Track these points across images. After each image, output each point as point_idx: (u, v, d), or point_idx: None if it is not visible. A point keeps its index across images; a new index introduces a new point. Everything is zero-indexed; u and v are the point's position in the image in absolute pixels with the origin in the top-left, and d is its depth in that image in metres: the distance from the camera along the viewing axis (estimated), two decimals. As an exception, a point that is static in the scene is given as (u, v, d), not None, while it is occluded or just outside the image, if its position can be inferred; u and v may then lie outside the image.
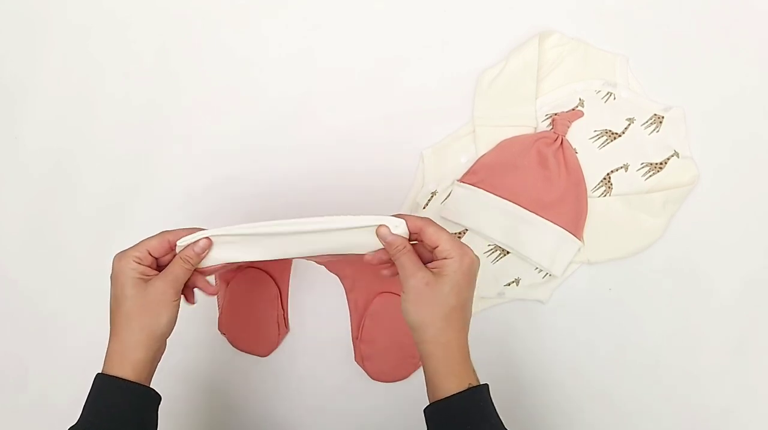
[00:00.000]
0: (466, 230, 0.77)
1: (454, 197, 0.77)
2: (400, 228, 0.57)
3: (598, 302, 0.77)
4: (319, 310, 0.79)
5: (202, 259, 0.60)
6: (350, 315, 0.77)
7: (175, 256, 0.60)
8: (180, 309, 0.60)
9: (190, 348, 0.79)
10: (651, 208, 0.75)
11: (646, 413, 0.76)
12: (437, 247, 0.57)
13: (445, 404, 0.55)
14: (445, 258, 0.56)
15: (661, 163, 0.76)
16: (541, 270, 0.76)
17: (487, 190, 0.76)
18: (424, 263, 0.58)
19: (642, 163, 0.76)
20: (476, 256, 0.58)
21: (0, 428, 0.82)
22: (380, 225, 0.58)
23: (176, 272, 0.59)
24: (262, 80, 0.82)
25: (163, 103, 0.83)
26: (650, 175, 0.76)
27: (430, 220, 0.58)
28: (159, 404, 0.61)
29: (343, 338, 0.78)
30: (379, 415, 0.77)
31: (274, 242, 0.60)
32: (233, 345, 0.79)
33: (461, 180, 0.77)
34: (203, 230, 0.60)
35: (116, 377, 0.57)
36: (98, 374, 0.58)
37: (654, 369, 0.76)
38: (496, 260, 0.77)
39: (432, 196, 0.78)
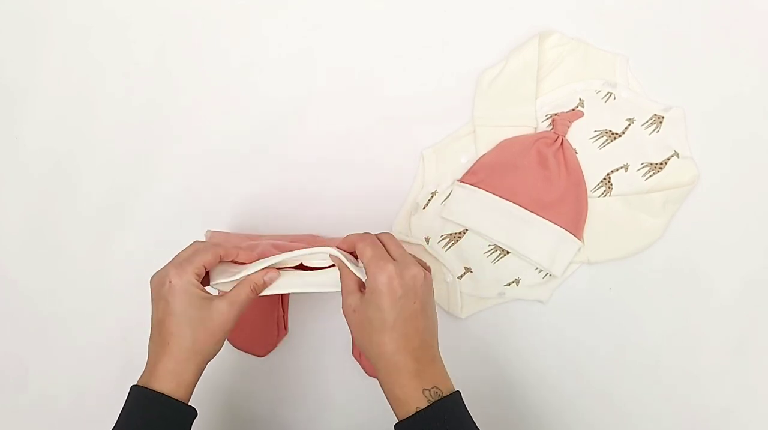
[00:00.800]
0: (466, 229, 0.77)
1: (454, 197, 0.77)
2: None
3: (598, 302, 0.77)
4: (319, 305, 0.78)
5: (267, 287, 0.60)
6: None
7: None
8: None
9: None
10: (651, 208, 0.75)
11: (646, 413, 0.76)
12: (356, 261, 0.59)
13: (407, 424, 0.55)
14: (367, 276, 0.57)
15: (661, 163, 0.76)
16: (541, 270, 0.76)
17: (487, 191, 0.76)
18: None
19: (642, 163, 0.76)
20: (408, 274, 0.57)
21: (0, 428, 0.82)
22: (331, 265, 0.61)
23: (242, 297, 0.59)
24: (262, 80, 0.82)
25: (163, 103, 0.83)
26: (650, 175, 0.76)
27: (366, 235, 0.60)
28: (194, 418, 0.60)
29: (343, 334, 0.78)
30: (377, 413, 0.77)
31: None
32: (231, 343, 0.79)
33: (461, 180, 0.77)
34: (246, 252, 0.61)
35: (157, 391, 0.56)
36: (138, 386, 0.57)
37: (654, 369, 0.76)
38: (496, 260, 0.77)
39: (432, 196, 0.78)
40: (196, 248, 0.60)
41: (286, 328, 0.78)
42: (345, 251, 0.62)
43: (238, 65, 0.83)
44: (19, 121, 0.85)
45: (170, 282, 0.57)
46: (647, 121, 0.77)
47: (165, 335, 0.57)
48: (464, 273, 0.77)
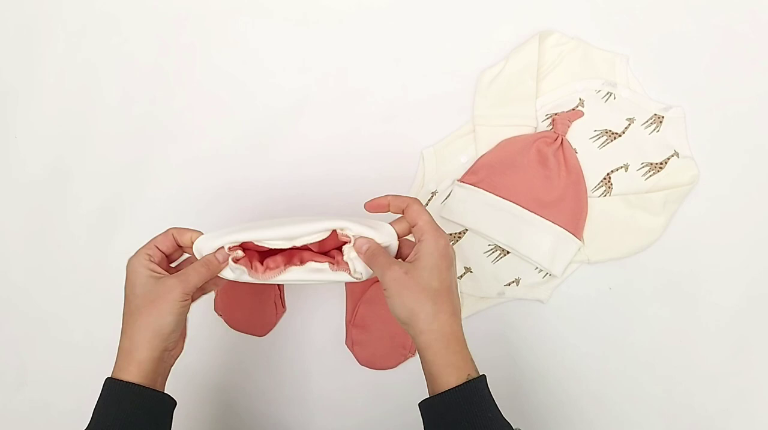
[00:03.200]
0: (466, 229, 0.77)
1: (454, 197, 0.77)
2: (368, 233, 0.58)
3: (598, 302, 0.77)
4: (316, 290, 0.79)
5: (221, 269, 0.59)
6: (346, 299, 0.78)
7: (182, 253, 0.61)
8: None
9: (187, 346, 0.79)
10: (651, 208, 0.75)
11: (646, 413, 0.76)
12: (416, 225, 0.57)
13: (440, 400, 0.54)
14: (420, 240, 0.56)
15: (661, 163, 0.76)
16: (541, 270, 0.76)
17: (487, 190, 0.76)
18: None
19: (642, 163, 0.76)
20: (449, 241, 0.58)
21: (0, 429, 0.82)
22: (342, 244, 0.59)
23: (189, 273, 0.58)
24: (260, 82, 0.82)
25: (159, 105, 0.83)
26: (650, 175, 0.76)
27: (418, 200, 0.59)
28: (173, 408, 0.60)
29: (338, 320, 0.78)
30: (369, 400, 0.77)
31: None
32: (230, 326, 0.79)
33: (461, 180, 0.77)
34: (203, 233, 0.60)
35: (126, 381, 0.56)
36: (108, 378, 0.57)
37: (653, 369, 0.76)
38: (496, 260, 0.77)
39: (432, 196, 0.78)
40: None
41: (283, 305, 0.78)
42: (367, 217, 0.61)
43: (234, 68, 0.83)
44: (18, 121, 0.85)
45: (126, 270, 0.58)
46: (647, 121, 0.77)
47: (123, 319, 0.58)
48: (464, 273, 0.77)
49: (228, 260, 0.59)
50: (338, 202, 0.79)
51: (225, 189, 0.81)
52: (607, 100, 0.77)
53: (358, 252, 0.58)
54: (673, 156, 0.76)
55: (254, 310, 0.78)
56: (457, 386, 0.53)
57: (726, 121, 0.77)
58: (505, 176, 0.76)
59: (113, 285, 0.81)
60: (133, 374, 0.56)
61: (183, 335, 0.61)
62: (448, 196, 0.78)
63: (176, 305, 0.56)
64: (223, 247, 0.59)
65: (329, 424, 0.78)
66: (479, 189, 0.76)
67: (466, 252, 0.77)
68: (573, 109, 0.77)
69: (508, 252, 0.77)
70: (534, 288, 0.76)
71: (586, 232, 0.76)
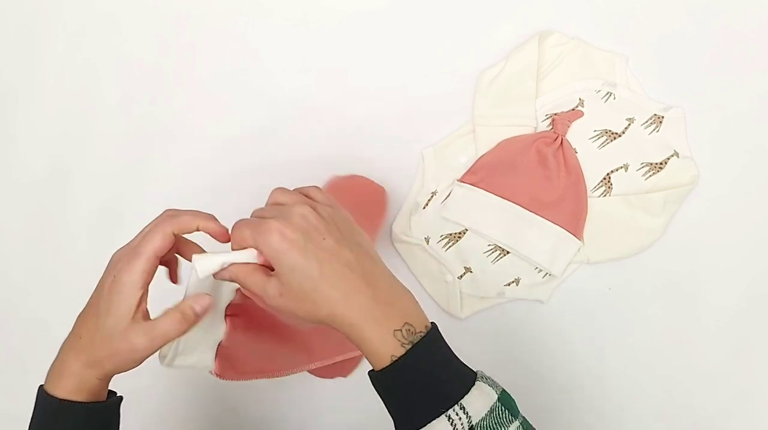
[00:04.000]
0: (466, 229, 0.77)
1: (454, 197, 0.77)
2: (216, 261, 0.49)
3: (598, 302, 0.77)
4: None
5: (202, 319, 0.52)
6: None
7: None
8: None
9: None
10: (651, 208, 0.75)
11: (646, 413, 0.76)
12: (248, 246, 0.48)
13: (388, 374, 0.47)
14: (260, 253, 0.48)
15: (661, 163, 0.76)
16: (541, 270, 0.76)
17: (486, 190, 0.76)
18: None
19: (642, 163, 0.76)
20: (296, 213, 0.48)
21: None
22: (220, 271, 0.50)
23: (166, 332, 0.50)
24: (260, 81, 0.82)
25: (160, 105, 0.83)
26: (650, 175, 0.76)
27: (236, 224, 0.49)
28: (119, 404, 0.56)
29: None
30: (368, 399, 0.77)
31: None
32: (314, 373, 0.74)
33: (461, 180, 0.77)
34: (207, 218, 0.53)
35: (71, 401, 0.51)
36: (47, 396, 0.53)
37: (653, 369, 0.76)
38: (496, 260, 0.77)
39: (432, 196, 0.78)
40: (152, 226, 0.53)
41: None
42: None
43: (234, 68, 0.83)
44: (18, 121, 0.85)
45: (118, 273, 0.51)
46: (647, 121, 0.77)
47: (82, 328, 0.53)
48: (464, 273, 0.77)
49: (206, 312, 0.52)
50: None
51: (225, 189, 0.81)
52: (607, 100, 0.77)
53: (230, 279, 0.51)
54: (673, 156, 0.76)
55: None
56: (395, 362, 0.46)
57: (726, 121, 0.77)
58: (504, 176, 0.76)
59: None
60: (85, 397, 0.52)
61: None
62: (448, 196, 0.78)
63: (137, 362, 0.51)
64: (207, 295, 0.52)
65: (329, 423, 0.78)
66: (479, 189, 0.76)
67: (466, 252, 0.77)
68: (573, 110, 0.77)
69: (508, 252, 0.77)
70: (534, 288, 0.76)
71: (586, 232, 0.76)
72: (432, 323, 0.50)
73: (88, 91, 0.84)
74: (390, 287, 0.50)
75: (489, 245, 0.77)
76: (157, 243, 0.51)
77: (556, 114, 0.77)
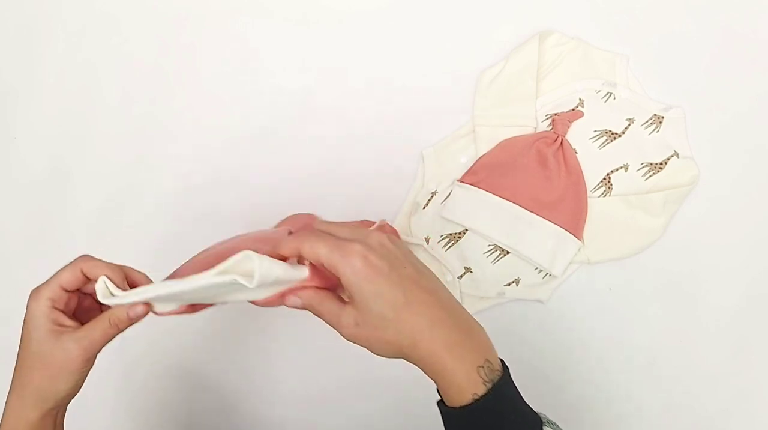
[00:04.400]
0: (466, 229, 0.77)
1: (454, 197, 0.77)
2: (275, 275, 0.45)
3: (598, 302, 0.77)
4: None
5: (134, 323, 0.51)
6: None
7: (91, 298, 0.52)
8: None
9: (187, 346, 0.79)
10: (651, 208, 0.75)
11: (645, 413, 0.76)
12: (322, 265, 0.46)
13: (463, 413, 0.46)
14: (338, 276, 0.45)
15: (661, 163, 0.76)
16: (541, 270, 0.76)
17: (487, 190, 0.76)
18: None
19: (642, 163, 0.76)
20: (375, 241, 0.46)
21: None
22: (280, 295, 0.47)
23: (95, 336, 0.50)
24: (260, 81, 0.82)
25: (160, 105, 0.83)
26: (650, 175, 0.76)
27: (304, 235, 0.47)
28: None
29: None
30: (368, 398, 0.77)
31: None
32: None
33: (461, 180, 0.77)
34: (123, 266, 0.52)
35: None
36: None
37: (653, 369, 0.76)
38: (496, 260, 0.77)
39: (432, 196, 0.78)
40: (62, 267, 0.52)
41: None
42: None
43: (234, 68, 0.83)
44: (18, 121, 0.85)
45: (26, 308, 0.51)
46: (647, 121, 0.77)
47: (16, 366, 0.52)
48: (464, 273, 0.77)
49: (144, 316, 0.50)
50: (339, 202, 0.79)
51: (225, 189, 0.81)
52: (607, 100, 0.77)
53: (292, 306, 0.48)
54: (673, 156, 0.76)
55: None
56: (476, 400, 0.45)
57: (726, 121, 0.77)
58: (505, 177, 0.76)
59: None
60: None
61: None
62: (448, 196, 0.78)
63: (74, 374, 0.50)
64: (144, 304, 0.50)
65: (328, 423, 0.78)
66: (479, 189, 0.76)
67: (466, 252, 0.77)
68: (573, 110, 0.77)
69: (508, 252, 0.77)
70: (534, 288, 0.76)
71: (586, 232, 0.76)
72: (501, 359, 0.49)
73: (88, 91, 0.84)
74: (467, 319, 0.49)
75: (489, 245, 0.77)
76: (64, 275, 0.51)
77: (556, 114, 0.77)
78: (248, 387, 0.79)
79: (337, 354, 0.77)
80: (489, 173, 0.76)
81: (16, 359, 0.52)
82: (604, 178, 0.76)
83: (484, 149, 0.77)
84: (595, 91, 0.77)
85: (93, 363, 0.52)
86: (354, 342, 0.47)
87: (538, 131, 0.77)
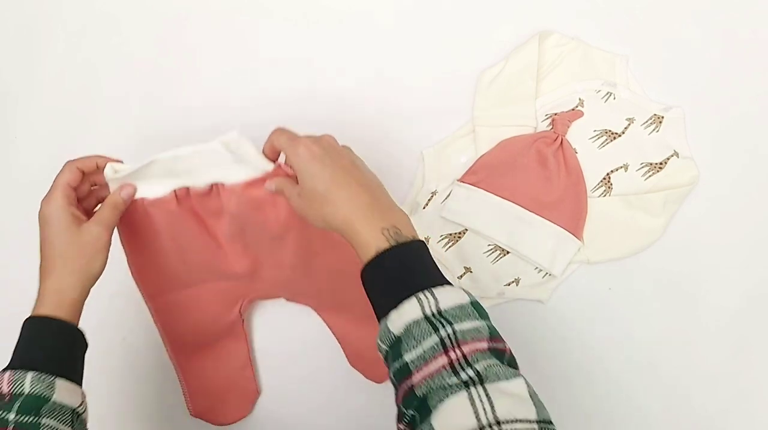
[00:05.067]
0: (466, 229, 0.77)
1: (454, 197, 0.77)
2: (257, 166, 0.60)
3: (598, 302, 0.77)
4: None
5: (128, 203, 0.61)
6: (331, 332, 0.76)
7: (92, 192, 0.63)
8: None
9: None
10: (651, 208, 0.75)
11: (645, 413, 0.76)
12: (278, 148, 0.59)
13: (370, 267, 0.52)
14: (288, 160, 0.58)
15: (661, 163, 0.76)
16: (541, 270, 0.76)
17: (487, 190, 0.76)
18: None
19: (642, 163, 0.76)
20: (322, 140, 0.58)
21: None
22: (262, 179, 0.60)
23: (108, 217, 0.60)
24: (260, 80, 0.82)
25: (160, 104, 0.83)
26: (650, 175, 0.76)
27: (276, 131, 0.60)
28: (86, 349, 0.62)
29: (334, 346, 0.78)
30: (366, 397, 0.77)
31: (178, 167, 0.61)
32: (191, 413, 0.76)
33: (461, 180, 0.77)
34: (106, 157, 0.62)
35: (53, 317, 0.57)
36: (31, 317, 0.59)
37: (653, 369, 0.76)
38: (496, 260, 0.77)
39: (432, 196, 0.78)
40: (58, 173, 0.61)
41: (258, 390, 0.77)
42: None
43: (234, 67, 0.83)
44: (18, 121, 0.85)
45: (41, 213, 0.60)
46: (647, 121, 0.77)
47: (44, 262, 0.59)
48: (464, 273, 0.77)
49: (133, 195, 0.61)
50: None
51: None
52: (606, 100, 0.77)
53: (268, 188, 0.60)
54: (672, 156, 0.76)
55: (220, 397, 0.76)
56: (378, 254, 0.52)
57: (726, 121, 0.77)
58: (505, 176, 0.76)
59: (115, 285, 0.81)
60: (65, 313, 0.58)
61: None
62: (448, 196, 0.78)
63: (104, 251, 0.59)
64: (130, 184, 0.61)
65: (328, 423, 0.78)
66: (479, 189, 0.76)
67: (466, 252, 0.77)
68: (573, 110, 0.77)
69: (508, 252, 0.77)
70: (534, 288, 0.76)
71: (586, 232, 0.76)
72: (419, 239, 0.55)
73: (88, 91, 0.84)
74: (390, 203, 0.57)
75: (489, 245, 0.77)
76: (66, 175, 0.61)
77: (556, 114, 0.77)
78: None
79: (338, 355, 0.78)
80: (489, 173, 0.77)
81: (40, 257, 0.60)
82: (604, 178, 0.76)
83: (484, 149, 0.77)
84: (595, 91, 0.77)
85: (110, 242, 0.60)
86: (298, 213, 0.58)
87: (538, 131, 0.77)
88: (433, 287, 0.49)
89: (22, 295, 0.82)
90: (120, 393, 0.80)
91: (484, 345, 0.48)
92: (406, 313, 0.48)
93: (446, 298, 0.49)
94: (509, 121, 0.77)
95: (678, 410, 0.75)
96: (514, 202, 0.75)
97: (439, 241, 0.78)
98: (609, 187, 0.76)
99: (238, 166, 0.61)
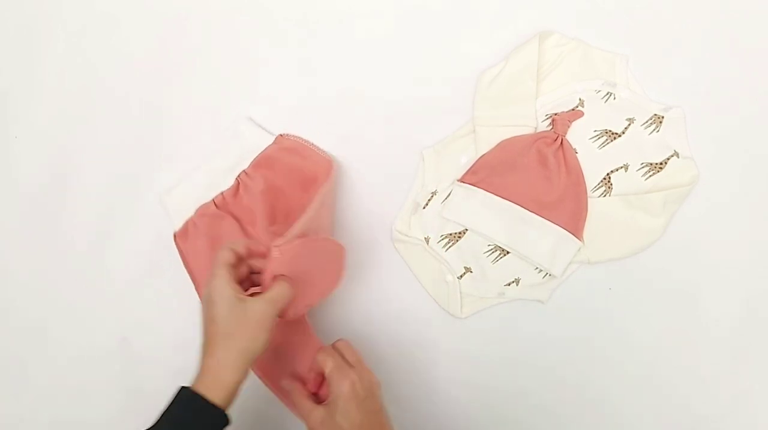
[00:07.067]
0: (466, 229, 0.77)
1: (454, 197, 0.77)
2: None
3: (598, 302, 0.77)
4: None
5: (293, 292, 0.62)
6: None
7: (248, 277, 0.63)
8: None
9: (187, 346, 0.79)
10: (651, 208, 0.75)
11: (646, 413, 0.76)
12: (323, 371, 0.63)
13: None
14: (330, 386, 0.62)
15: (661, 163, 0.76)
16: (541, 270, 0.76)
17: (487, 190, 0.76)
18: None
19: (642, 163, 0.76)
20: (365, 377, 0.62)
21: (0, 428, 0.82)
22: None
23: (280, 293, 0.60)
24: (260, 81, 0.82)
25: (160, 104, 0.83)
26: (650, 175, 0.76)
27: (324, 348, 0.64)
28: (225, 423, 0.61)
29: (334, 319, 0.78)
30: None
31: None
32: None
33: (461, 180, 0.77)
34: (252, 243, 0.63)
35: (209, 402, 0.57)
36: (186, 388, 0.58)
37: (653, 369, 0.76)
38: (496, 260, 0.77)
39: (432, 196, 0.78)
40: (217, 252, 0.61)
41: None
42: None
43: (234, 67, 0.83)
44: (18, 121, 0.85)
45: (206, 290, 0.60)
46: (647, 121, 0.77)
47: (207, 338, 0.59)
48: (464, 273, 0.77)
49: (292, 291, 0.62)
50: (339, 202, 0.79)
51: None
52: (607, 100, 0.77)
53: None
54: (672, 156, 0.76)
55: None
56: None
57: (726, 121, 0.77)
58: (505, 177, 0.76)
59: (115, 285, 0.81)
60: (219, 396, 0.57)
61: None
62: (448, 196, 0.78)
63: (269, 329, 0.59)
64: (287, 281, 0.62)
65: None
66: (479, 189, 0.76)
67: (466, 252, 0.77)
68: (573, 110, 0.77)
69: (508, 252, 0.77)
70: (534, 288, 0.76)
71: (586, 232, 0.76)
72: None
73: (88, 91, 0.84)
74: None
75: (489, 245, 0.77)
76: (225, 255, 0.60)
77: (556, 114, 0.77)
78: (249, 386, 0.79)
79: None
80: (489, 173, 0.76)
81: (203, 334, 0.59)
82: (604, 178, 0.76)
83: (484, 149, 0.77)
84: (595, 91, 0.77)
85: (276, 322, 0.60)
86: None
87: (538, 131, 0.77)
88: None
89: (22, 294, 0.83)
90: (120, 393, 0.80)
91: None
92: None
93: None
94: (509, 121, 0.77)
95: (677, 410, 0.75)
96: (514, 202, 0.75)
97: (439, 241, 0.78)
98: (609, 188, 0.76)
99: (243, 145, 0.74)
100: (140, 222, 0.82)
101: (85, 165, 0.84)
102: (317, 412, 0.61)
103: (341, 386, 0.61)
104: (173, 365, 0.79)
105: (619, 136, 0.77)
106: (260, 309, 0.58)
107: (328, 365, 0.62)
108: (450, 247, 0.78)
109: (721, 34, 0.78)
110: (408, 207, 0.79)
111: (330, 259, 0.69)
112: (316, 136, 0.80)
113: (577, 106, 0.77)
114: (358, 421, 0.60)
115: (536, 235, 0.75)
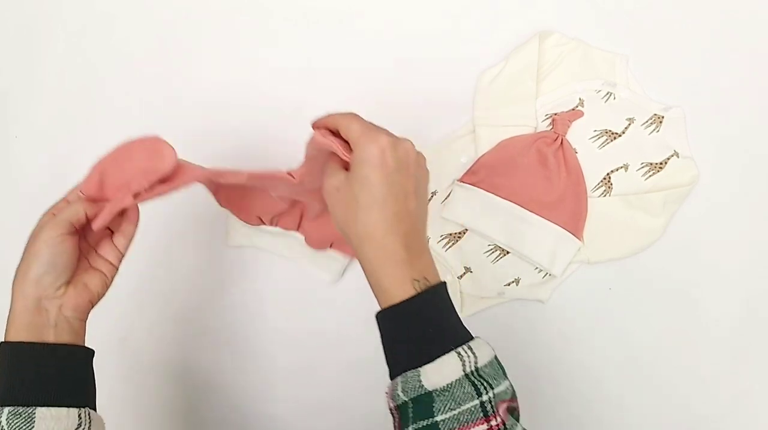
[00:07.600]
0: (466, 229, 0.77)
1: (454, 197, 0.77)
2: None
3: (598, 302, 0.77)
4: (306, 289, 0.79)
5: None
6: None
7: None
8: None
9: (188, 346, 0.79)
10: (651, 208, 0.75)
11: (646, 413, 0.76)
12: (345, 136, 0.51)
13: (394, 311, 0.49)
14: (354, 150, 0.50)
15: (661, 163, 0.76)
16: (541, 270, 0.76)
17: (487, 190, 0.76)
18: None
19: (642, 163, 0.76)
20: (401, 146, 0.51)
21: (0, 428, 0.82)
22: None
23: (65, 213, 0.57)
24: (260, 80, 0.82)
25: (160, 104, 0.83)
26: (650, 175, 0.76)
27: (348, 115, 0.52)
28: (91, 357, 0.57)
29: (333, 319, 0.78)
30: (366, 399, 0.77)
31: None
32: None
33: (461, 180, 0.77)
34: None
35: (17, 341, 0.51)
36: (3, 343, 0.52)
37: (653, 369, 0.76)
38: (496, 260, 0.77)
39: (432, 196, 0.78)
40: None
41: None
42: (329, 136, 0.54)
43: (234, 68, 0.83)
44: (18, 121, 0.85)
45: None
46: (647, 121, 0.77)
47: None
48: (464, 273, 0.77)
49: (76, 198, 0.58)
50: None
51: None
52: (607, 100, 0.77)
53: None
54: (672, 156, 0.76)
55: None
56: (411, 297, 0.48)
57: (726, 121, 0.77)
58: (505, 177, 0.76)
59: (115, 284, 0.81)
60: (10, 334, 0.51)
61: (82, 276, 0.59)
62: (448, 196, 0.78)
63: (51, 243, 0.55)
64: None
65: (328, 423, 0.78)
66: (479, 189, 0.76)
67: (466, 252, 0.77)
68: (573, 110, 0.77)
69: (508, 252, 0.77)
70: (534, 288, 0.76)
71: (586, 232, 0.76)
72: (443, 281, 0.51)
73: (88, 91, 0.84)
74: (423, 245, 0.51)
75: (489, 245, 0.77)
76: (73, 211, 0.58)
77: (556, 114, 0.77)
78: (249, 386, 0.79)
79: (339, 358, 0.78)
80: (489, 173, 0.77)
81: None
82: (604, 178, 0.76)
83: (484, 149, 0.77)
84: (595, 91, 0.77)
85: (72, 242, 0.58)
86: (326, 200, 0.52)
87: (538, 131, 0.77)
88: (467, 341, 0.48)
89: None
90: (120, 393, 0.80)
91: (506, 405, 0.48)
92: (447, 369, 0.46)
93: (482, 353, 0.48)
94: (509, 121, 0.77)
95: (677, 410, 0.75)
96: (514, 202, 0.75)
97: (439, 241, 0.78)
98: (609, 187, 0.76)
99: None
100: (140, 222, 0.82)
101: (85, 165, 0.83)
102: (338, 176, 0.51)
103: (367, 150, 0.49)
104: (173, 365, 0.79)
105: (619, 136, 0.77)
106: (40, 222, 0.57)
107: (354, 127, 0.50)
108: (450, 247, 0.78)
109: (721, 34, 0.78)
110: (408, 207, 0.79)
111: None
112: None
113: (577, 106, 0.77)
114: (381, 196, 0.48)
115: (536, 235, 0.75)
